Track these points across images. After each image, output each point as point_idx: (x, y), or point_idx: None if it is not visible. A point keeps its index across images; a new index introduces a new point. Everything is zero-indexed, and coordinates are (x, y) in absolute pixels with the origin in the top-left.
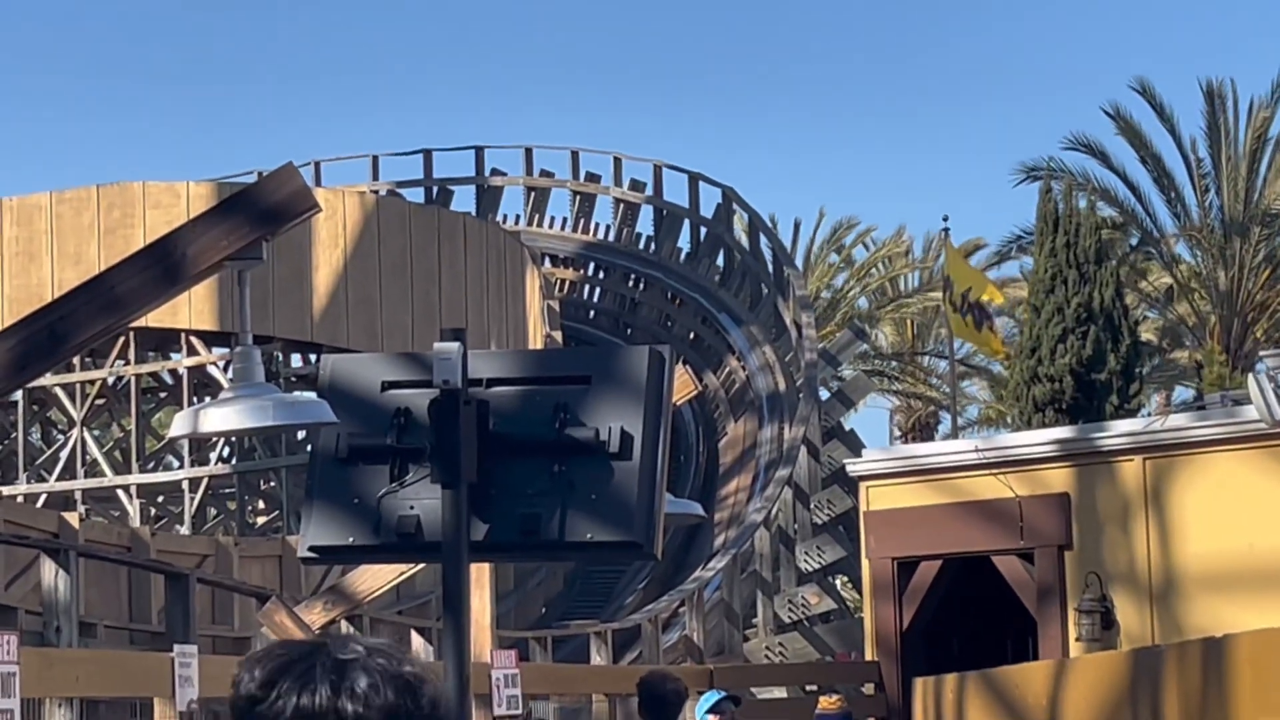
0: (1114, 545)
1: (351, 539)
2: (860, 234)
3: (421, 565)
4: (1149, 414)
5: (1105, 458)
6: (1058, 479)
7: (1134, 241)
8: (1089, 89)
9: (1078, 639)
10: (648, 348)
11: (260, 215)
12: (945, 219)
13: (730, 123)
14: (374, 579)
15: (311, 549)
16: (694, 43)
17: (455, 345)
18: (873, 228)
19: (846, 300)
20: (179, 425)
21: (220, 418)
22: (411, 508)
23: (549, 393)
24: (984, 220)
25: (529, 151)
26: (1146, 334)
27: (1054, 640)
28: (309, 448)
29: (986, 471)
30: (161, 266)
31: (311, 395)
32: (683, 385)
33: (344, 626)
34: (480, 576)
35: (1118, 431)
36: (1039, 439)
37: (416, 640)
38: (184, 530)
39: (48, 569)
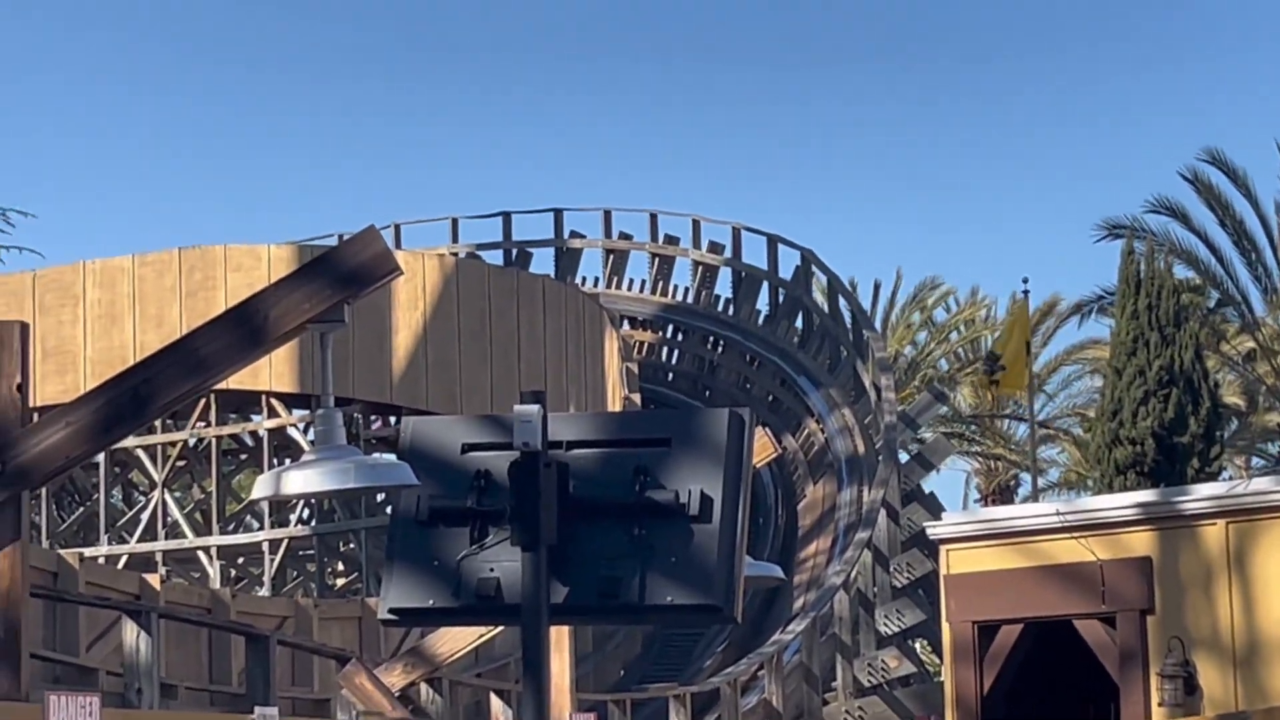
0: (1197, 609)
1: (431, 601)
2: (941, 295)
3: (501, 628)
4: (1230, 477)
5: (1187, 521)
6: (1140, 542)
7: (1213, 303)
8: (1171, 149)
9: (1160, 704)
10: (728, 410)
11: (342, 278)
12: (1025, 281)
13: (809, 184)
14: (454, 641)
15: (391, 611)
16: (772, 106)
17: (535, 408)
18: (953, 289)
19: (927, 362)
20: (261, 487)
21: (302, 480)
22: (491, 570)
23: (629, 455)
24: (1064, 280)
25: (608, 214)
26: (1229, 396)
27: (1136, 706)
28: (389, 510)
29: (1068, 535)
30: (245, 329)
31: (392, 457)
32: (762, 448)
33: (423, 689)
34: (560, 639)
35: (1200, 495)
36: (1120, 502)
37: (496, 703)
38: (264, 592)
39: (129, 631)
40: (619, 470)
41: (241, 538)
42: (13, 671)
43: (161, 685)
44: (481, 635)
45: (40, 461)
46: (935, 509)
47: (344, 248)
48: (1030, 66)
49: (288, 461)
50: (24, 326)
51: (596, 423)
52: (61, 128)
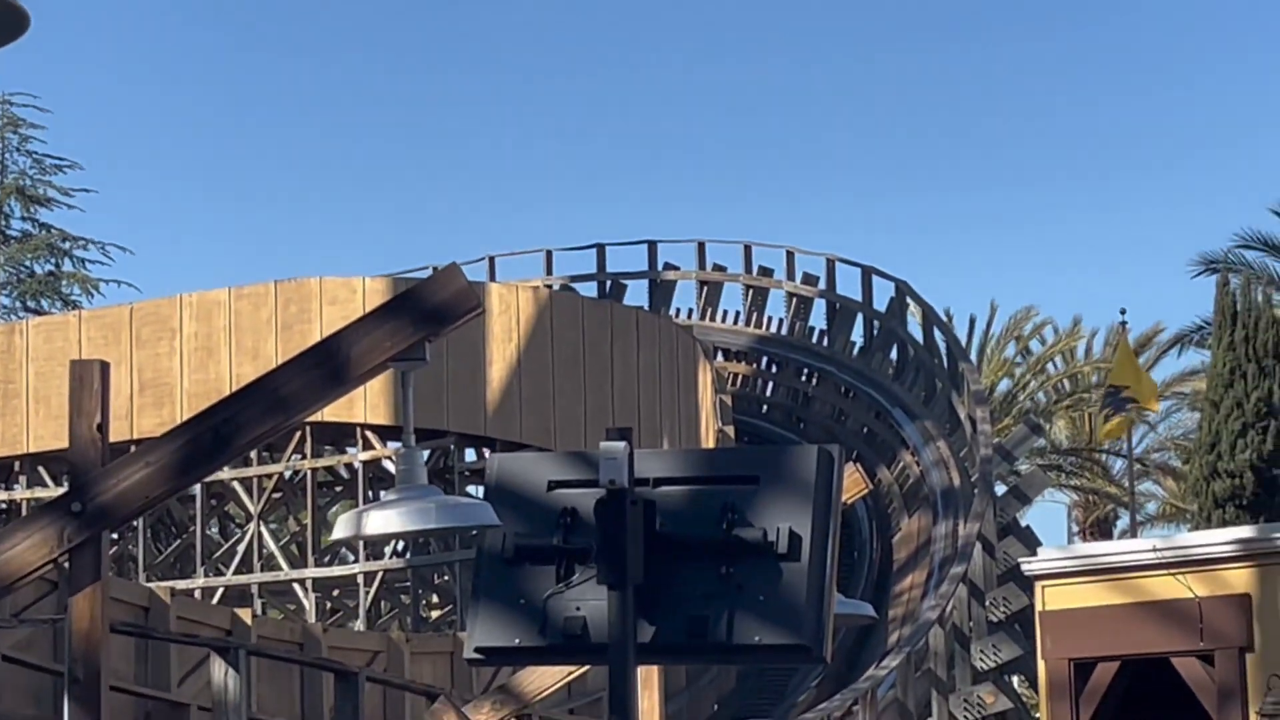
0: None
1: (517, 640)
2: (1037, 325)
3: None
4: None
5: None
6: (1238, 579)
7: None
8: (1264, 182)
9: None
10: (816, 447)
11: (423, 316)
12: (1123, 311)
13: (905, 216)
14: (544, 677)
15: (477, 650)
16: (866, 136)
17: (621, 444)
18: (1050, 319)
19: (1026, 392)
20: (342, 528)
21: (383, 520)
22: (578, 609)
23: (716, 493)
24: (1161, 313)
25: (701, 246)
26: None
27: None
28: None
29: (1165, 571)
30: (326, 368)
31: (475, 497)
32: (853, 484)
33: None
34: (649, 677)
35: None
36: (1218, 538)
37: None
38: (359, 624)
39: (218, 668)
40: (707, 508)
41: (336, 570)
42: (93, 715)
43: None
44: (572, 672)
45: (120, 502)
46: (1031, 543)
47: (425, 285)
48: (1128, 100)
49: (383, 494)
50: (104, 365)
51: (684, 460)
52: (158, 162)
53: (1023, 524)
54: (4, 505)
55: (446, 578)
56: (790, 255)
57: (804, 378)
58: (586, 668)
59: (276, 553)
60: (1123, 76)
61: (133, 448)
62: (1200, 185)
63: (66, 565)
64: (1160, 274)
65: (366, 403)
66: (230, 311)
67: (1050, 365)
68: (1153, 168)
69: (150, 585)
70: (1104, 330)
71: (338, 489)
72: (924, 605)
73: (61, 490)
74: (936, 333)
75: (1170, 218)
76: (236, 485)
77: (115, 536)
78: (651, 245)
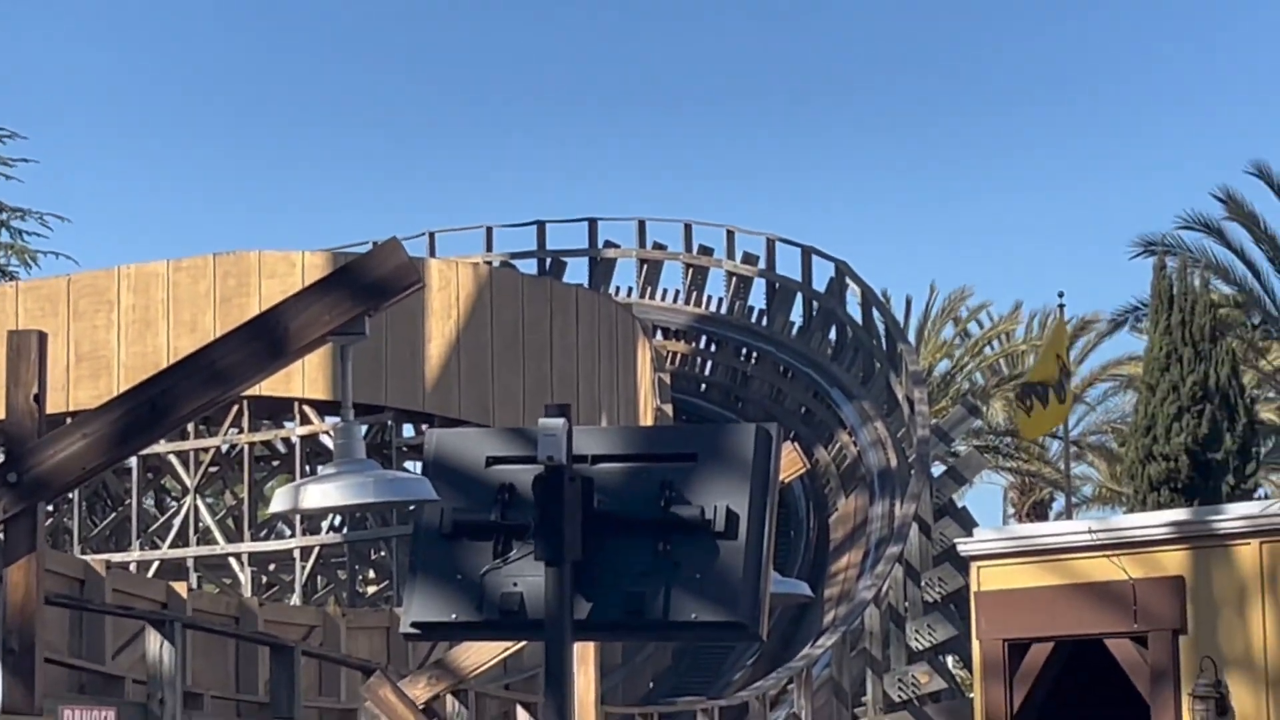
0: (1230, 630)
1: (454, 615)
2: (974, 309)
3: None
4: (1266, 494)
5: (1221, 541)
6: (1172, 562)
7: (1255, 320)
8: (1205, 165)
9: None
10: (754, 425)
11: (363, 290)
12: (1060, 295)
13: (844, 196)
14: (480, 653)
15: (414, 625)
16: (807, 118)
17: (560, 421)
18: (988, 302)
19: (964, 373)
20: (279, 501)
21: (320, 494)
22: (515, 585)
23: (654, 470)
24: (1100, 295)
25: (642, 224)
26: (1265, 413)
27: None
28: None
29: (1100, 553)
30: (265, 341)
31: (413, 471)
32: (790, 463)
33: (449, 701)
34: (585, 654)
35: (1234, 515)
36: (1153, 521)
37: (523, 715)
38: (295, 599)
39: (153, 641)
40: (644, 485)
41: (273, 544)
42: (27, 686)
43: (186, 694)
44: (508, 647)
45: (56, 473)
46: (968, 524)
47: (365, 260)
48: (1068, 80)
49: (320, 469)
50: (42, 336)
51: (622, 437)
52: (98, 133)
53: (959, 505)
54: None
55: (383, 553)
56: (730, 234)
57: (743, 357)
58: (523, 644)
59: (213, 526)
60: (1067, 54)
61: (69, 419)
62: (1146, 166)
63: (1, 536)
64: (1102, 257)
65: (305, 377)
66: (168, 284)
67: (989, 347)
68: (1098, 147)
69: (85, 558)
70: (1041, 313)
71: (275, 463)
72: (860, 585)
73: None
74: (875, 314)
75: (1114, 200)
76: (173, 458)
77: (50, 508)
78: (592, 223)
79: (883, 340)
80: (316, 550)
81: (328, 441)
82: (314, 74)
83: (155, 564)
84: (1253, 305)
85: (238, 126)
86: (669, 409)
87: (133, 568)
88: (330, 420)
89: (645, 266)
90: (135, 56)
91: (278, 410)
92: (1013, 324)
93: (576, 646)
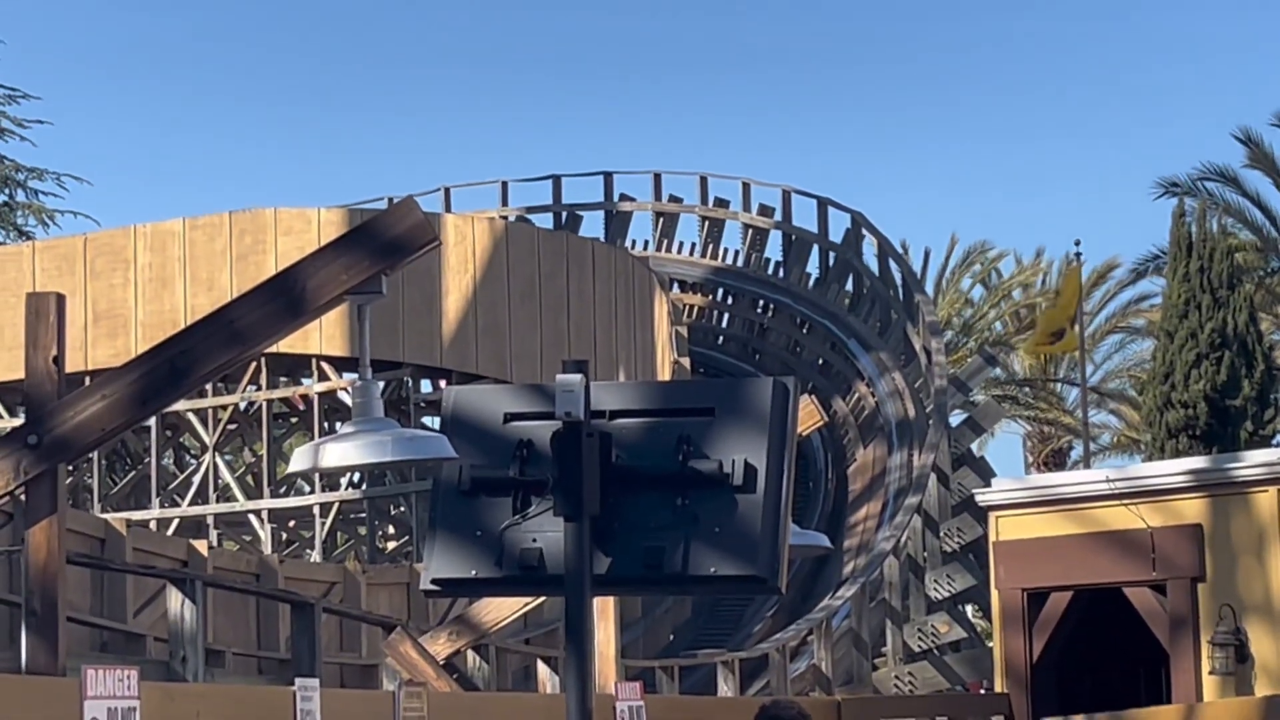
0: (1248, 577)
1: (474, 571)
2: (993, 258)
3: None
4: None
5: (1239, 488)
6: (1191, 510)
7: (1274, 266)
8: (1223, 112)
9: (1211, 672)
10: (772, 379)
11: (380, 249)
12: (1078, 243)
13: (860, 147)
14: (500, 608)
15: (434, 581)
16: (824, 69)
17: (578, 377)
18: (1007, 252)
19: (983, 324)
20: (298, 461)
21: (339, 453)
22: (534, 540)
23: (672, 425)
24: (1125, 243)
25: (658, 177)
26: None
27: (1187, 673)
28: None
29: (1118, 502)
30: (282, 300)
31: (431, 430)
32: (808, 416)
33: (469, 656)
34: (605, 608)
35: (1252, 462)
36: (1171, 469)
37: (543, 670)
38: (315, 555)
39: (174, 599)
40: (662, 440)
41: (292, 501)
42: (50, 646)
43: (208, 651)
44: (528, 602)
45: (77, 434)
46: (986, 474)
47: (382, 218)
48: (1088, 27)
49: (339, 426)
50: (60, 298)
51: (640, 392)
52: (115, 95)
53: (977, 455)
54: None
55: (403, 509)
56: (746, 187)
57: (760, 309)
58: (543, 599)
59: (232, 484)
60: (1087, 1)
61: (87, 378)
62: (1167, 115)
63: (23, 497)
64: (1129, 205)
65: (322, 334)
66: (185, 242)
67: (1007, 299)
68: (1120, 93)
69: (106, 516)
70: (1059, 261)
71: (293, 420)
72: (879, 536)
73: (19, 422)
74: (892, 264)
75: (1135, 146)
76: (191, 416)
77: (70, 468)
78: (607, 176)
79: (900, 291)
80: (336, 506)
81: (345, 398)
82: (329, 29)
83: (175, 522)
84: (1271, 250)
85: (252, 84)
86: (686, 362)
87: (153, 525)
88: (348, 376)
89: (661, 220)
90: (150, 15)
91: (296, 367)
92: (1034, 274)
93: (596, 601)
